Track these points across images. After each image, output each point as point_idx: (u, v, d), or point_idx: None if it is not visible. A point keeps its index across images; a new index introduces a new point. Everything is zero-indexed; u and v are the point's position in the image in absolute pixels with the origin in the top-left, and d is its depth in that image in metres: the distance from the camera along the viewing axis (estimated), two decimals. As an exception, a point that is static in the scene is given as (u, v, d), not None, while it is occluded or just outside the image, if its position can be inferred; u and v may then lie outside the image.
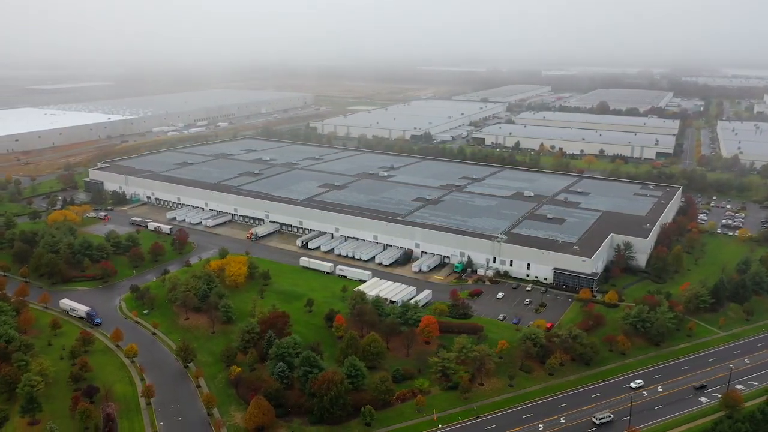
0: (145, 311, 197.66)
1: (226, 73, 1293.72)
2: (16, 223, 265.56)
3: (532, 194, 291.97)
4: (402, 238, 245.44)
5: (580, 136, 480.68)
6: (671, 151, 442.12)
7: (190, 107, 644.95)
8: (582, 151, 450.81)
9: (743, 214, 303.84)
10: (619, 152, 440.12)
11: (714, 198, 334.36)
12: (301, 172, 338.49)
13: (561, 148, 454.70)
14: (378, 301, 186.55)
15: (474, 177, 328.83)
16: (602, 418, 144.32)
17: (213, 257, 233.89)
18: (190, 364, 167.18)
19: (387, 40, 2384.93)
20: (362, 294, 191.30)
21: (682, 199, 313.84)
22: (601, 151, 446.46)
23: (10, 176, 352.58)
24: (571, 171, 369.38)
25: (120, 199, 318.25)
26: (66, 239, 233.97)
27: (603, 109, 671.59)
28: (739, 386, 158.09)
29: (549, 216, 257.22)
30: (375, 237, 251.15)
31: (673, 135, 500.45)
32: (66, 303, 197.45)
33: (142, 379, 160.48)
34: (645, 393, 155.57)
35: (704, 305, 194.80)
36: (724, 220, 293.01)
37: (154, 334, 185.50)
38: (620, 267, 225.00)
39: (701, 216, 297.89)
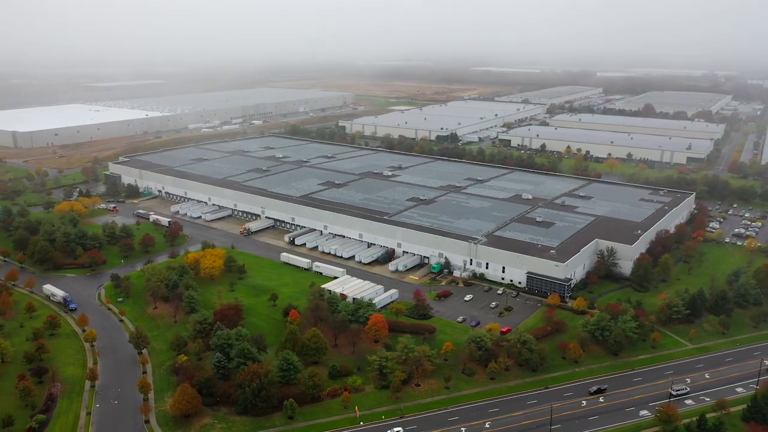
0: (119, 299, 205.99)
1: (278, 72, 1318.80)
2: (28, 212, 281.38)
3: (530, 197, 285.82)
4: (385, 237, 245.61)
5: (609, 139, 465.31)
6: (704, 156, 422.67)
7: (228, 105, 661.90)
8: (609, 154, 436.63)
9: (760, 224, 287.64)
10: (648, 156, 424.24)
11: (734, 206, 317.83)
12: (308, 169, 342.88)
13: (587, 151, 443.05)
14: (333, 298, 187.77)
15: (478, 178, 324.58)
16: (679, 390, 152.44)
17: (197, 250, 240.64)
18: (144, 351, 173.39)
19: (393, 41, 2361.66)
20: (321, 290, 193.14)
21: (695, 207, 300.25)
22: (629, 154, 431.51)
23: (39, 168, 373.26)
24: (588, 174, 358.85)
25: (134, 192, 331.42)
26: (64, 228, 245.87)
27: (648, 112, 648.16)
28: (689, 401, 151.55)
29: (538, 219, 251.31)
30: (360, 235, 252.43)
31: (712, 140, 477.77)
32: (47, 288, 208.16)
33: (95, 363, 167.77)
34: (584, 403, 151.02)
35: (678, 316, 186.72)
36: (737, 229, 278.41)
37: (121, 321, 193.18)
38: (599, 274, 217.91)
39: (713, 224, 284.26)
